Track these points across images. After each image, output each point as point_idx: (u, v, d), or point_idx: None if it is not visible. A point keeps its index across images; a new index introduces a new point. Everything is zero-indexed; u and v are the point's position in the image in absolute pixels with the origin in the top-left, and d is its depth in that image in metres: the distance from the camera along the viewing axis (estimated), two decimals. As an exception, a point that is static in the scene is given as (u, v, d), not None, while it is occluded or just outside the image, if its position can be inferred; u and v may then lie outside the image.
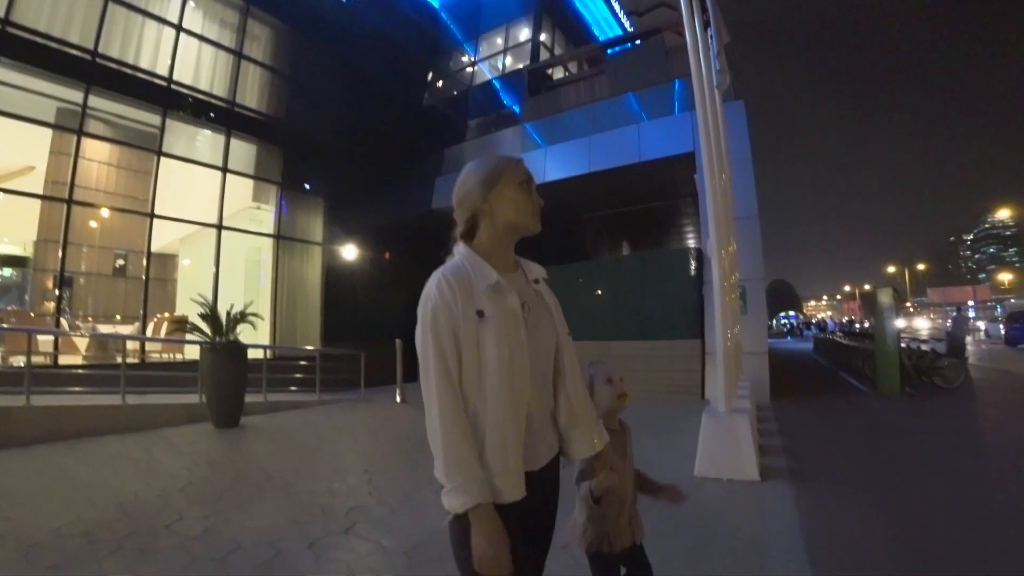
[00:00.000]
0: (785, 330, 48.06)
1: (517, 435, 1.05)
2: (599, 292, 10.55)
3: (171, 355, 9.96)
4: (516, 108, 15.58)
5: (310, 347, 11.00)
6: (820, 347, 19.69)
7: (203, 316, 7.00)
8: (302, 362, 10.09)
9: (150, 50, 10.07)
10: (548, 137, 12.42)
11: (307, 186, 12.02)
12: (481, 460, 1.02)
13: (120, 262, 10.76)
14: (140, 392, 7.53)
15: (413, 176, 13.95)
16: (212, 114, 10.63)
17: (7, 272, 11.01)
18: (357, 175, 12.92)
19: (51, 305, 9.34)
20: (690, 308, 9.27)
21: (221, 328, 7.01)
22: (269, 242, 11.52)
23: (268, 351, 10.06)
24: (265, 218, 11.68)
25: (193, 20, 10.89)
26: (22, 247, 10.66)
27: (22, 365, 6.68)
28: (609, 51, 15.84)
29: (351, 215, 12.66)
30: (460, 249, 1.17)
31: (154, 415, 6.75)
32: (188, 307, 8.29)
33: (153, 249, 10.27)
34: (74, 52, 9.00)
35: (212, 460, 5.06)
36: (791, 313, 57.65)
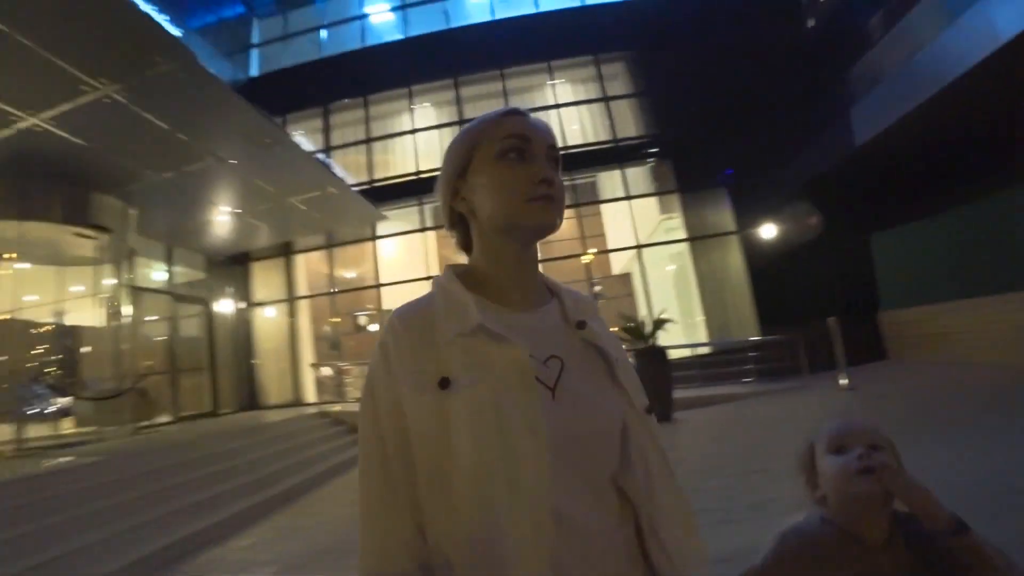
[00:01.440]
0: None
1: None
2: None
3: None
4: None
5: (736, 338, 10.94)
6: None
7: (626, 328, 8.36)
8: (738, 354, 10.13)
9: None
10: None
11: (705, 182, 12.18)
12: None
13: (596, 288, 13.67)
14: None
15: (819, 122, 11.91)
16: (604, 157, 12.50)
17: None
18: (753, 152, 12.16)
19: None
20: None
21: (642, 335, 8.16)
22: (685, 246, 12.25)
23: (694, 348, 10.60)
24: (678, 225, 12.55)
25: (563, 93, 13.54)
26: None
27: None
28: None
29: (758, 192, 11.94)
30: (442, 276, 0.79)
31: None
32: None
33: (614, 272, 12.88)
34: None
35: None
36: None
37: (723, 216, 12.22)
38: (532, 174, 0.72)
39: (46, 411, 8.03)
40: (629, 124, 12.97)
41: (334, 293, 13.31)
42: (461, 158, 0.77)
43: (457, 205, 0.79)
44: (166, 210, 8.48)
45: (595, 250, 13.00)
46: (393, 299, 13.07)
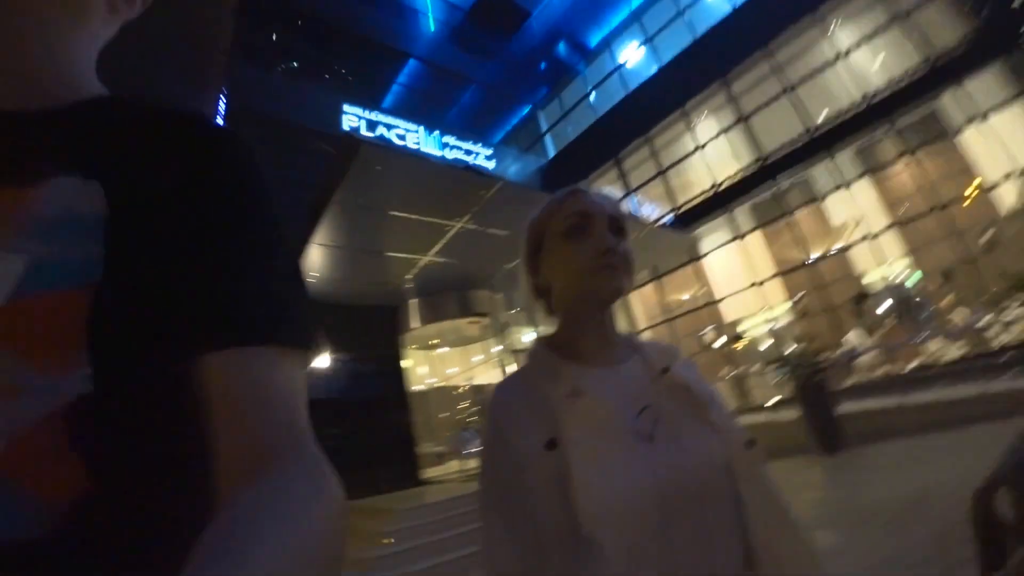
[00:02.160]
0: None
1: None
2: None
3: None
4: None
5: None
6: None
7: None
8: None
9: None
10: None
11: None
12: None
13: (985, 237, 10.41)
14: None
15: None
16: (926, 83, 10.17)
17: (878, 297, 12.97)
18: None
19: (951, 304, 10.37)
20: None
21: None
22: None
23: None
24: None
25: (847, 36, 11.51)
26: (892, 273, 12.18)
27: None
28: None
29: None
30: (534, 347, 0.86)
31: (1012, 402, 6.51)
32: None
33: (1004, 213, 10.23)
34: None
35: None
36: None
37: None
38: (595, 247, 0.79)
39: (473, 451, 11.26)
40: (948, 27, 10.11)
41: (672, 319, 14.37)
42: (534, 239, 0.88)
43: (537, 280, 0.89)
44: (519, 290, 10.93)
45: (979, 181, 10.20)
46: (733, 310, 13.38)
